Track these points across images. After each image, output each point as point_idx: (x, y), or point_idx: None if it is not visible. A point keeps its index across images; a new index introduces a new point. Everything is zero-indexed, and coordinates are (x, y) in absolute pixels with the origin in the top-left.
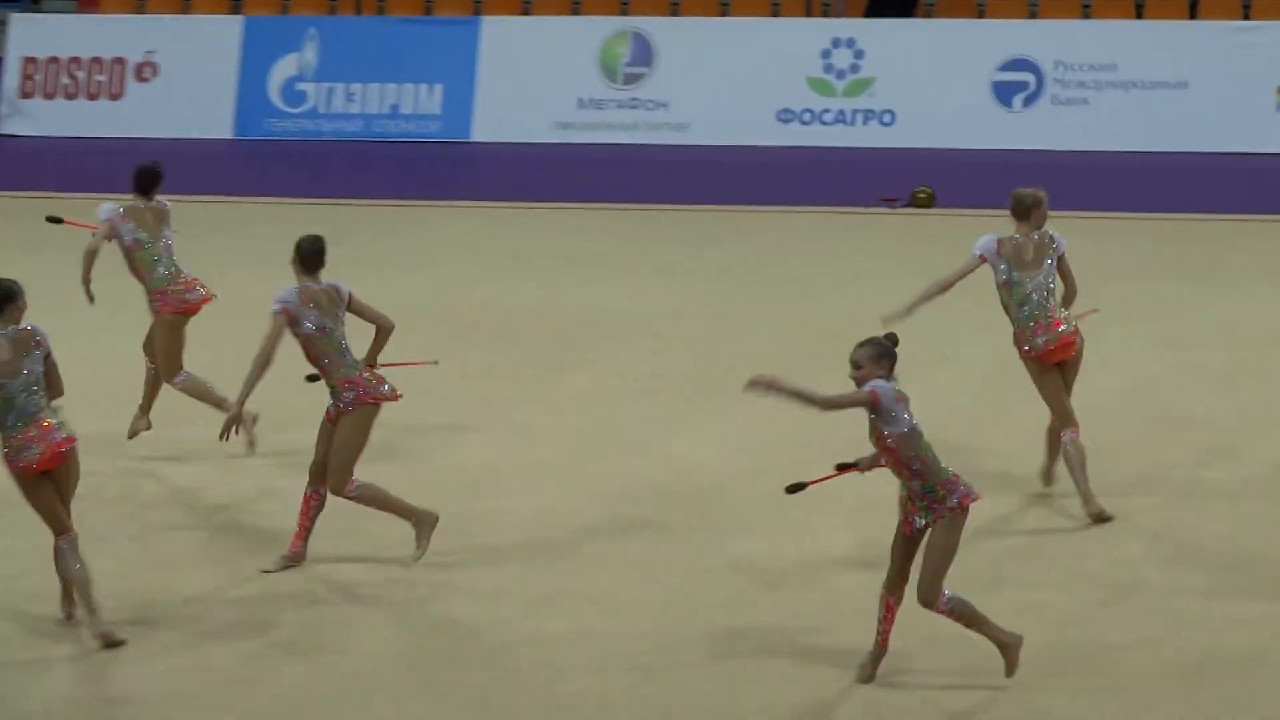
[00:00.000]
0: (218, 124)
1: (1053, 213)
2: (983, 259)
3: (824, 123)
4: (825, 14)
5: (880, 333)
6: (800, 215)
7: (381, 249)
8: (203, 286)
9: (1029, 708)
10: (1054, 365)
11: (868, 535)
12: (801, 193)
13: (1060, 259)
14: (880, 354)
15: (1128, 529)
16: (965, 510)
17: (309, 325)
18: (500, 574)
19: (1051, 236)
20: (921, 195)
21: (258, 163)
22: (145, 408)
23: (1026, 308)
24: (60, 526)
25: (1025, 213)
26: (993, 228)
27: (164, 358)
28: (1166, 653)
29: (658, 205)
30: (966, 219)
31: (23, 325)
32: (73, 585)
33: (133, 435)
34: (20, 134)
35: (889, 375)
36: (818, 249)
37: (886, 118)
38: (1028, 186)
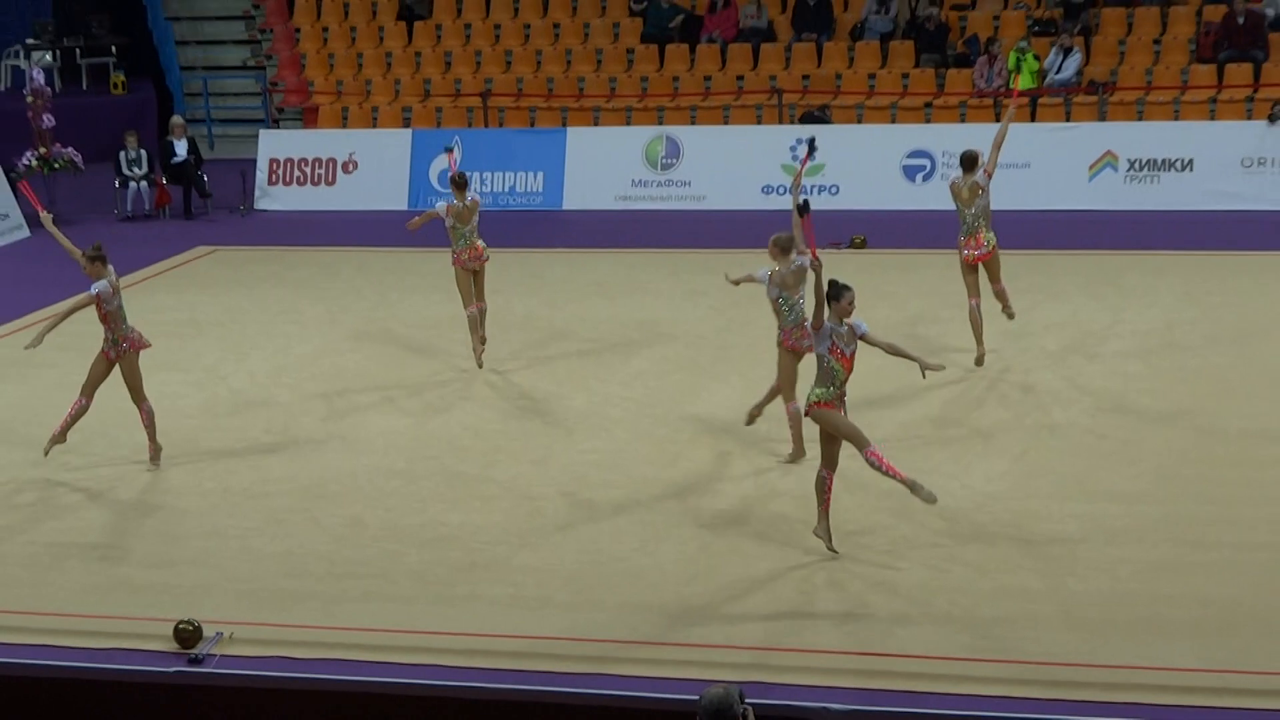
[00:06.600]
0: (396, 199)
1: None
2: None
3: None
4: (792, 122)
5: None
6: None
7: (507, 282)
8: None
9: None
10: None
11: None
12: None
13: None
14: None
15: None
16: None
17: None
18: None
19: (976, 182)
20: (857, 240)
21: (426, 226)
22: None
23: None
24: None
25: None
26: (908, 264)
27: None
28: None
29: (686, 249)
30: (888, 255)
31: None
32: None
33: None
34: (269, 209)
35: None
36: None
37: (834, 189)
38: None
